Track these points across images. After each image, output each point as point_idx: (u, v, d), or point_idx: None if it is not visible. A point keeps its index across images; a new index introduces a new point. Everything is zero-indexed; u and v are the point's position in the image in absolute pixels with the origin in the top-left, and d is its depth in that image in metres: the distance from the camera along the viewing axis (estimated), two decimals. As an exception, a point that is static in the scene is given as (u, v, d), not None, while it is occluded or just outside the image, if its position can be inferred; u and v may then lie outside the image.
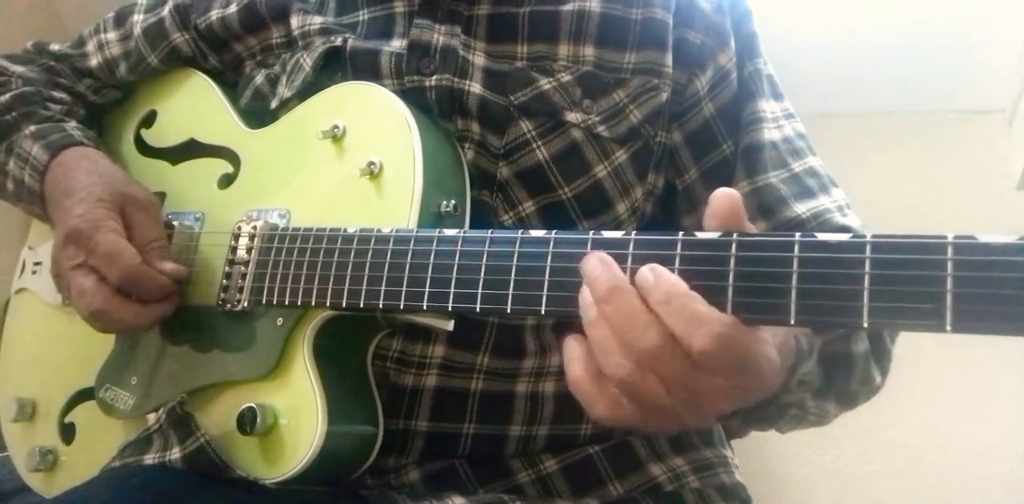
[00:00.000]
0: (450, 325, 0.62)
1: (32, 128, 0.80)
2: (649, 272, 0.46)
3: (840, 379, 0.66)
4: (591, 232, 0.51)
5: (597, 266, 0.48)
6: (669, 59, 0.73)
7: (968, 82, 1.50)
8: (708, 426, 0.73)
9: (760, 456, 1.36)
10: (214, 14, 0.82)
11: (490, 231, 0.55)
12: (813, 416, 0.67)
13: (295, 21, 0.78)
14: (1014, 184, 1.45)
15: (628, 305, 0.45)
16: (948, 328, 0.39)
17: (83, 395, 0.78)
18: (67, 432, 0.78)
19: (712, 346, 0.43)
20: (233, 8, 0.81)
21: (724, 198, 0.47)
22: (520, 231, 0.54)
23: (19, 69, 0.89)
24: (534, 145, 0.70)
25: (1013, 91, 1.48)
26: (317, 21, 0.77)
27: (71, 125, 0.82)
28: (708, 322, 0.43)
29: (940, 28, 1.44)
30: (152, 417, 0.69)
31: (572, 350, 0.49)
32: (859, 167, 1.53)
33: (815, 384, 0.63)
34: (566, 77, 0.71)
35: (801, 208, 0.71)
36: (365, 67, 0.73)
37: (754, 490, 0.77)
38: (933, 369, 1.38)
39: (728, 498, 0.74)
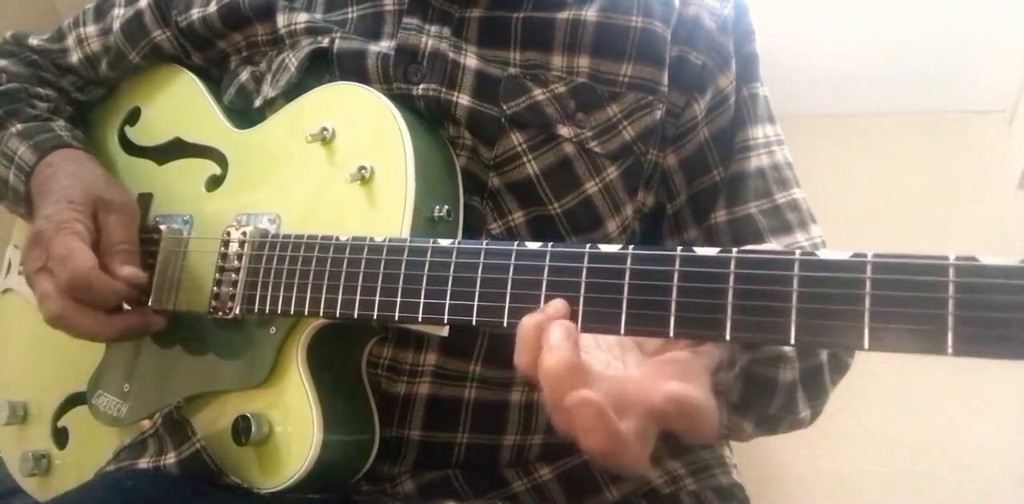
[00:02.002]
0: (445, 331, 0.61)
1: (19, 126, 0.79)
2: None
3: (759, 401, 0.65)
4: (588, 246, 0.50)
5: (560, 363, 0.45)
6: (665, 77, 0.71)
7: (968, 82, 1.49)
8: None
9: (759, 456, 1.36)
10: (195, 13, 0.79)
11: (485, 242, 0.54)
12: (724, 429, 0.66)
13: (281, 19, 0.75)
14: (1014, 184, 1.45)
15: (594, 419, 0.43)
16: (949, 351, 0.39)
17: (75, 399, 0.77)
18: (60, 436, 0.78)
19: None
20: (213, 7, 0.78)
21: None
22: (516, 243, 0.53)
23: (1, 63, 0.87)
24: (524, 158, 0.68)
25: (1013, 91, 1.47)
26: (302, 19, 0.74)
27: (59, 124, 0.81)
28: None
29: (940, 28, 1.42)
30: (147, 421, 0.69)
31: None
32: (859, 167, 1.52)
33: (731, 398, 0.63)
34: (560, 88, 0.69)
35: (775, 244, 0.70)
36: (352, 70, 0.71)
37: (753, 490, 0.77)
38: (932, 369, 1.38)
39: (725, 499, 0.74)
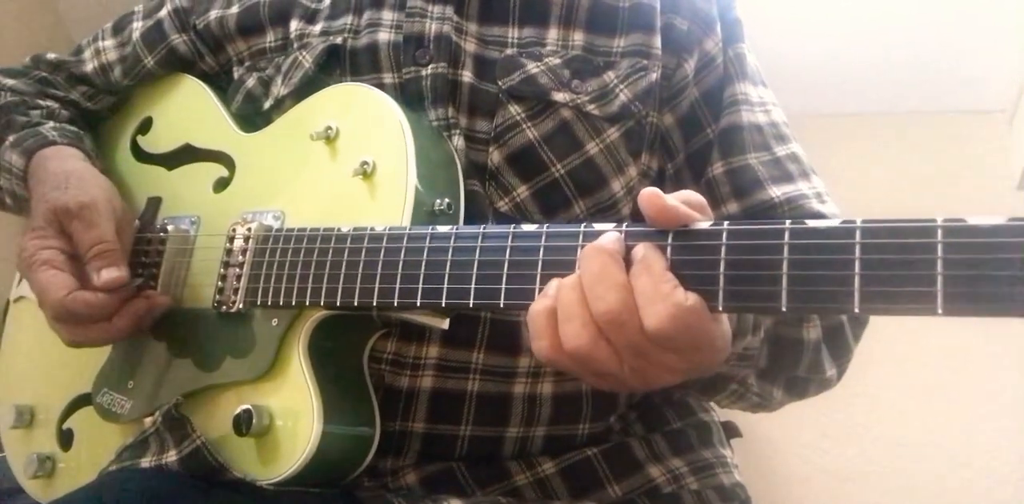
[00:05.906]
0: (445, 324, 0.62)
1: (12, 137, 0.81)
2: (641, 248, 0.48)
3: (788, 363, 0.66)
4: (583, 225, 0.51)
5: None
6: (658, 41, 0.74)
7: (968, 82, 1.50)
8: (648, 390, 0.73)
9: (760, 456, 1.35)
10: (213, 14, 0.83)
11: (482, 227, 0.56)
12: (755, 397, 0.68)
13: (295, 25, 0.79)
14: (1014, 184, 1.46)
15: (602, 264, 0.47)
16: (939, 311, 0.39)
17: (81, 401, 0.78)
18: (65, 438, 0.78)
19: (665, 325, 0.45)
20: (235, 9, 0.82)
21: (646, 200, 0.49)
22: (512, 226, 0.54)
23: (10, 82, 0.90)
24: (524, 126, 0.70)
25: (1013, 91, 1.48)
26: (317, 29, 0.78)
27: (48, 125, 0.82)
28: (666, 300, 0.45)
29: (940, 28, 1.44)
30: (148, 420, 0.69)
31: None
32: (859, 167, 1.53)
33: (760, 363, 0.64)
34: (555, 61, 0.72)
35: (776, 191, 0.71)
36: (365, 63, 0.74)
37: (754, 490, 0.77)
38: (933, 369, 1.38)
39: (727, 499, 0.74)
